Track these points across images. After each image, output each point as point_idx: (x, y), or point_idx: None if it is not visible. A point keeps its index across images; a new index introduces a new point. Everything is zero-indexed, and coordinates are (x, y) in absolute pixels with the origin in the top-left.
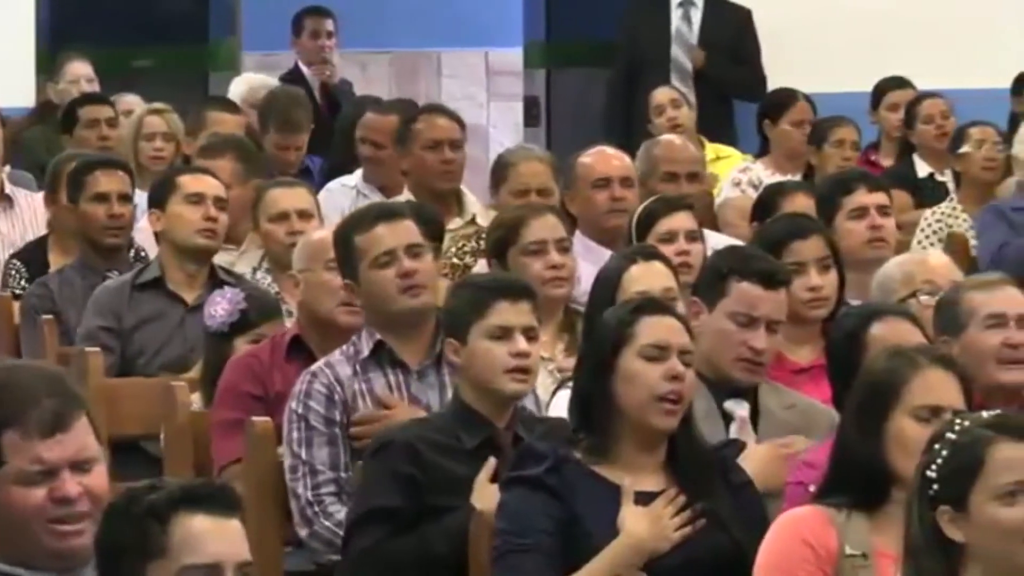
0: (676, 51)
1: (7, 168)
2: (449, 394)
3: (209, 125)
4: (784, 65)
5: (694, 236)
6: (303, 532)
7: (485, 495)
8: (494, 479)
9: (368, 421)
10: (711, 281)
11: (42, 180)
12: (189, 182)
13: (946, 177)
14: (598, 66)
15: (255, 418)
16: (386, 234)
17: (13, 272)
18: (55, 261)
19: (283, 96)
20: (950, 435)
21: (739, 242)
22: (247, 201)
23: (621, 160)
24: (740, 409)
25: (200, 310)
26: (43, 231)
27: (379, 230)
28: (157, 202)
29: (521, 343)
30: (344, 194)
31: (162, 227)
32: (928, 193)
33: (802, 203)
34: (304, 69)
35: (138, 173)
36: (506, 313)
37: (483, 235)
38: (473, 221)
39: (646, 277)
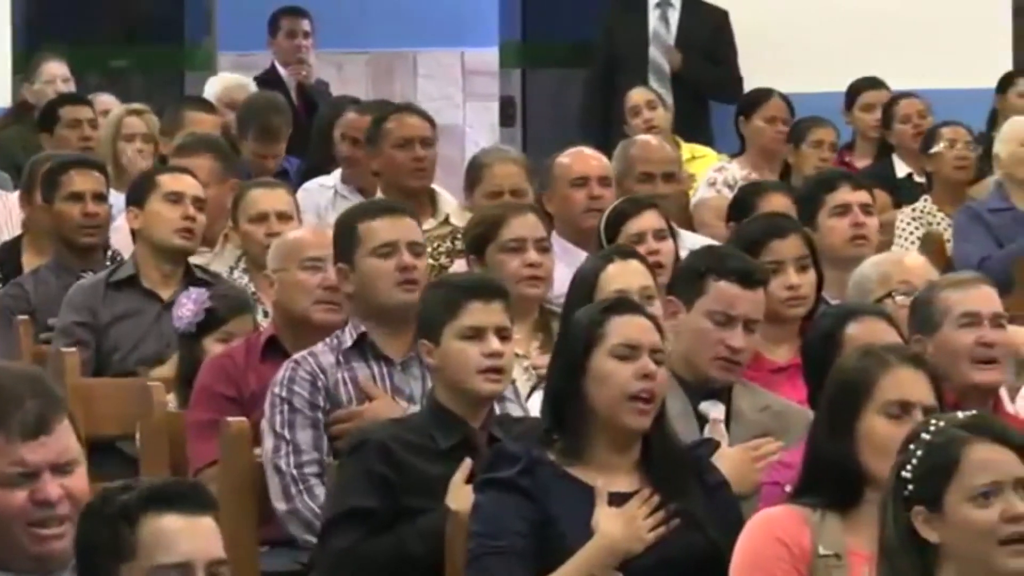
0: (654, 52)
1: None
2: None
3: (186, 125)
4: (761, 66)
5: (663, 235)
6: (282, 507)
7: (460, 496)
8: (469, 480)
9: (348, 418)
10: (688, 280)
11: (18, 180)
12: (169, 181)
13: (924, 179)
14: (574, 66)
15: (230, 418)
16: (390, 227)
17: None
18: (29, 261)
19: (262, 103)
20: (925, 435)
21: (715, 242)
22: (224, 201)
23: (599, 160)
24: (715, 411)
25: None
26: (18, 231)
27: (384, 221)
28: (136, 200)
29: (494, 343)
30: (322, 194)
31: (139, 225)
32: (907, 193)
33: (778, 203)
34: (280, 69)
35: (116, 174)
36: (478, 313)
37: (458, 235)
38: (447, 221)
39: (623, 276)
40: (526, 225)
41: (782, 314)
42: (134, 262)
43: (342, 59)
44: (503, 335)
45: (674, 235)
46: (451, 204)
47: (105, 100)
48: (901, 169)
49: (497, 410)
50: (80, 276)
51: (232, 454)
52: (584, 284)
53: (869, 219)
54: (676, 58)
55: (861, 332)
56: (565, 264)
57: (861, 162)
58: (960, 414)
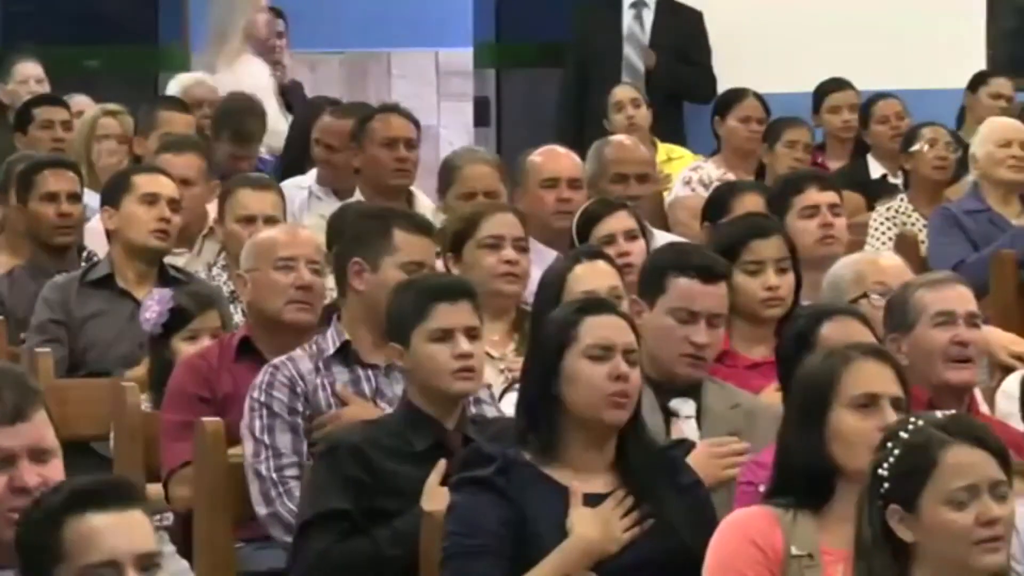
0: (628, 51)
1: None
2: None
3: (160, 125)
4: (735, 66)
5: (633, 235)
6: (263, 511)
7: (436, 497)
8: (444, 482)
9: (328, 423)
10: (650, 279)
11: None
12: (144, 182)
13: (899, 179)
14: (548, 66)
15: (205, 419)
16: (423, 247)
17: None
18: (4, 262)
19: (237, 105)
20: (903, 434)
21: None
22: (206, 200)
23: (570, 159)
24: (685, 408)
25: None
26: None
27: (423, 241)
28: (111, 200)
29: (463, 344)
30: (297, 195)
31: (114, 226)
32: (880, 194)
33: (753, 203)
34: None
35: (90, 174)
36: (446, 315)
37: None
38: None
39: (590, 276)
40: (504, 223)
41: (759, 314)
42: (109, 262)
43: (316, 59)
44: (472, 335)
45: (647, 236)
46: (427, 206)
47: (80, 101)
48: (876, 170)
49: (473, 410)
50: (55, 276)
51: (207, 455)
52: (552, 285)
53: (837, 220)
54: (650, 58)
55: (835, 332)
56: (536, 264)
57: (834, 163)
58: (939, 414)
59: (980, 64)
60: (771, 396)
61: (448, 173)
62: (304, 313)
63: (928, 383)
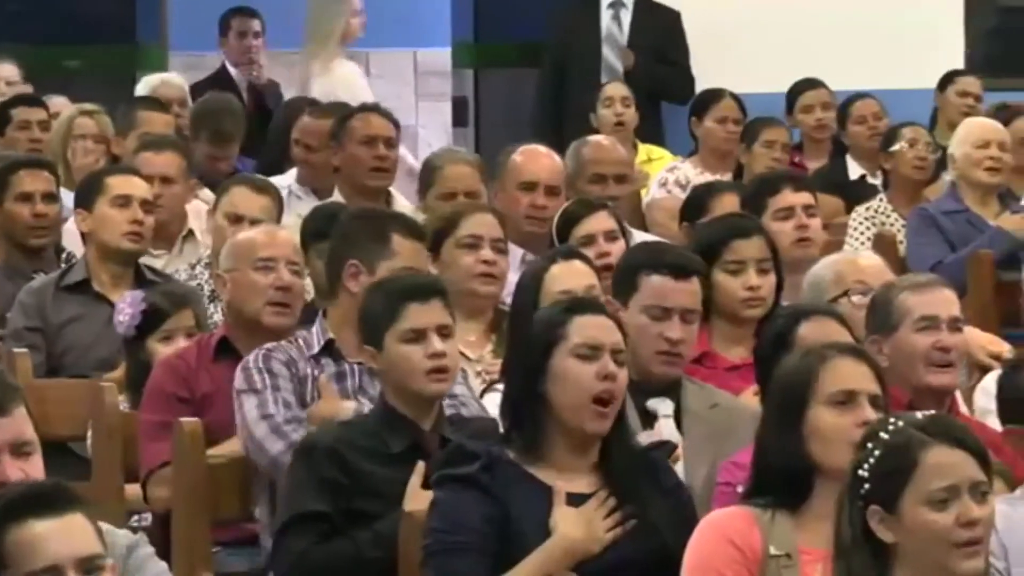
0: (606, 52)
1: None
2: None
3: (139, 125)
4: (713, 66)
5: (613, 236)
6: (276, 448)
7: (418, 500)
8: (425, 484)
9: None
10: (623, 279)
11: None
12: (117, 183)
13: (878, 180)
14: (526, 66)
15: (183, 419)
16: (421, 254)
17: None
18: None
19: (215, 105)
20: (883, 435)
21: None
22: (185, 200)
23: (552, 163)
24: (663, 408)
25: None
26: None
27: (419, 247)
28: (84, 202)
29: (436, 343)
30: None
31: (88, 228)
32: (859, 195)
33: (731, 203)
34: (231, 69)
35: (67, 175)
36: (417, 315)
37: None
38: None
39: (567, 276)
40: (483, 223)
41: (740, 314)
42: (85, 265)
43: (294, 59)
44: (444, 333)
45: (627, 236)
46: (406, 207)
47: (57, 102)
48: (854, 171)
49: (459, 412)
50: (32, 277)
51: (185, 455)
52: (529, 285)
53: (812, 221)
54: (629, 59)
55: (813, 332)
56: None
57: (812, 163)
58: (919, 414)
59: (958, 64)
60: (750, 399)
61: (428, 173)
62: (283, 317)
63: (909, 386)
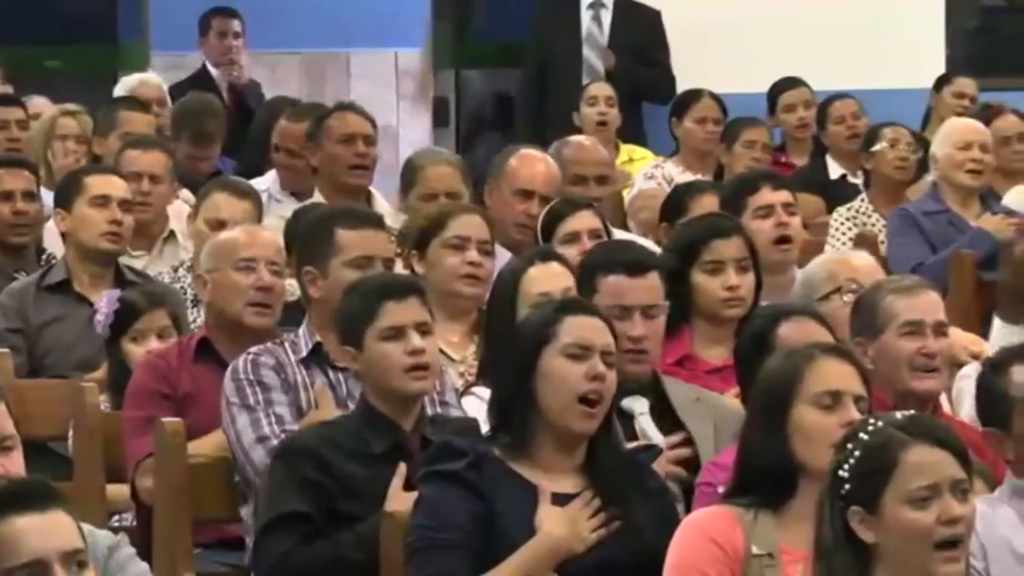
0: (587, 52)
1: None
2: None
3: (120, 125)
4: (694, 66)
5: (598, 235)
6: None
7: (400, 501)
8: (407, 485)
9: None
10: (583, 281)
11: None
12: (95, 183)
13: (858, 179)
14: (507, 67)
15: (165, 419)
16: (369, 239)
17: None
18: None
19: (196, 106)
20: (863, 435)
21: (648, 241)
22: (169, 200)
23: (548, 171)
24: (639, 405)
25: None
26: None
27: (363, 233)
28: (63, 202)
29: (415, 340)
30: None
31: (67, 228)
32: (840, 195)
33: (711, 203)
34: (212, 70)
35: (48, 175)
36: (395, 313)
37: (391, 239)
38: None
39: (545, 279)
40: (471, 225)
41: (720, 314)
42: (65, 265)
43: (275, 59)
44: (423, 330)
45: (610, 236)
46: (386, 207)
47: (38, 103)
48: (835, 170)
49: (438, 411)
50: (13, 277)
51: (167, 454)
52: (506, 287)
53: (792, 219)
54: (610, 59)
55: (793, 332)
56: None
57: (799, 161)
58: (898, 414)
59: (939, 64)
60: (731, 401)
61: (410, 173)
62: (263, 318)
63: (893, 390)
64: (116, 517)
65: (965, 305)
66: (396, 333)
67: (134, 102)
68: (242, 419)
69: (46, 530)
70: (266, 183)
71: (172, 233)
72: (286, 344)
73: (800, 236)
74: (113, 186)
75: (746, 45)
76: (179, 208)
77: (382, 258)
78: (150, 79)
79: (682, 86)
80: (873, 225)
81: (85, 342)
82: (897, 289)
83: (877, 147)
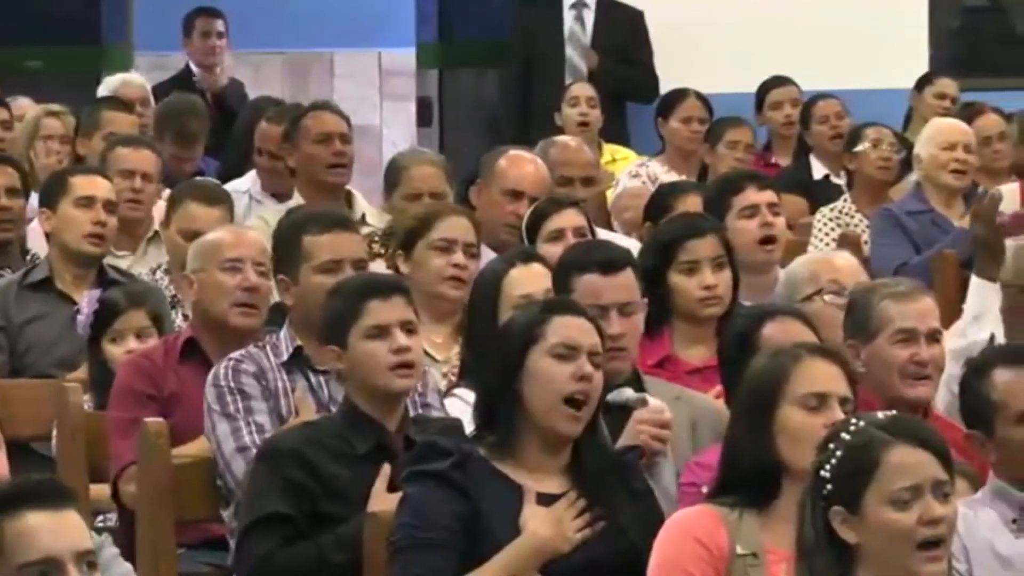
0: (570, 52)
1: None
2: None
3: (104, 125)
4: (677, 66)
5: (582, 233)
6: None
7: (383, 503)
8: (391, 486)
9: None
10: (559, 282)
11: None
12: (80, 184)
13: (842, 179)
14: (491, 67)
15: (148, 419)
16: (336, 242)
17: None
18: None
19: (179, 106)
20: (845, 435)
21: (633, 239)
22: (155, 200)
23: (537, 173)
24: (627, 393)
25: None
26: None
27: (330, 237)
28: (47, 202)
29: (400, 338)
30: (237, 199)
31: (51, 228)
32: (823, 195)
33: (694, 203)
34: (195, 70)
35: (32, 175)
36: (380, 311)
37: (376, 237)
38: (363, 221)
39: (526, 280)
40: (458, 227)
41: (698, 314)
42: (48, 264)
43: (259, 59)
44: (408, 328)
45: (594, 235)
46: (366, 207)
47: (22, 103)
48: (818, 170)
49: (420, 412)
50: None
51: (150, 455)
52: (487, 288)
53: (777, 219)
54: (593, 59)
55: (777, 332)
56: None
57: (784, 161)
58: (880, 414)
59: (922, 64)
60: (711, 400)
61: (394, 174)
62: (249, 318)
63: (884, 395)
64: (100, 518)
65: (948, 305)
66: (381, 332)
67: (118, 102)
68: (222, 428)
69: (60, 529)
70: (247, 184)
71: (156, 233)
72: (267, 348)
73: (784, 236)
74: (98, 187)
75: (728, 45)
76: (163, 209)
77: (352, 260)
78: (133, 79)
79: (665, 86)
80: (856, 225)
81: (66, 340)
82: (893, 294)
83: (860, 147)
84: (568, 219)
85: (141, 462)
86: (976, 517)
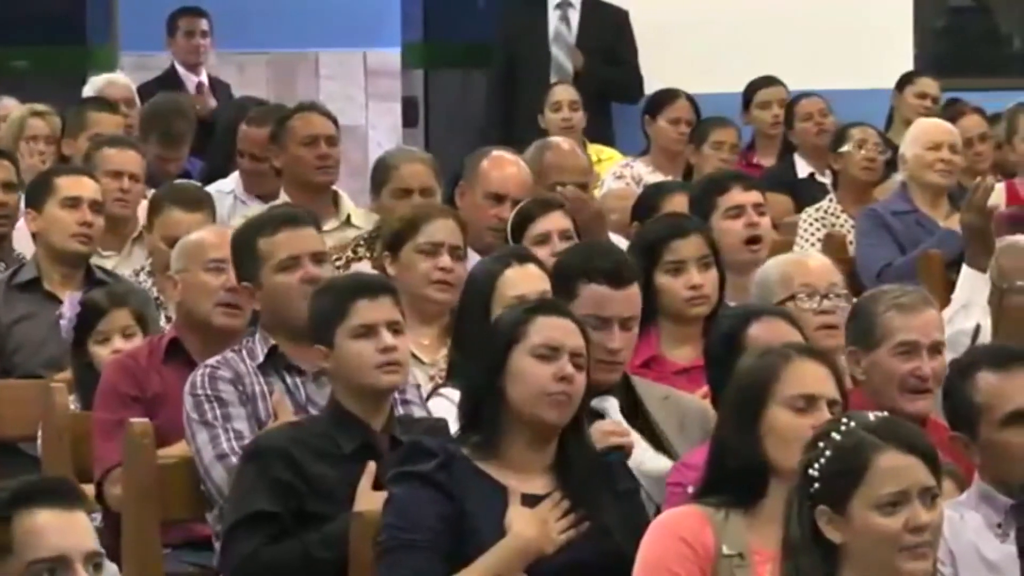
0: (556, 52)
1: None
2: None
3: (89, 126)
4: (662, 66)
5: (568, 235)
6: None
7: (369, 501)
8: (376, 485)
9: None
10: (561, 284)
11: None
12: (66, 184)
13: (826, 178)
14: (476, 67)
15: (133, 420)
16: (291, 239)
17: None
18: None
19: (165, 107)
20: (835, 435)
21: (620, 237)
22: (140, 200)
23: (520, 175)
24: (610, 405)
25: None
26: None
27: (284, 235)
28: (33, 202)
29: (387, 338)
30: (221, 200)
31: (37, 228)
32: (808, 194)
33: (681, 203)
34: (180, 69)
35: (17, 174)
36: (367, 311)
37: (361, 241)
38: (348, 221)
39: (521, 281)
40: (444, 229)
41: (685, 314)
42: (35, 264)
43: (243, 59)
44: (395, 328)
45: (579, 236)
46: (353, 208)
47: (7, 104)
48: (803, 169)
49: (400, 411)
50: None
51: (135, 455)
52: (481, 287)
53: (762, 219)
54: (578, 59)
55: (763, 332)
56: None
57: (766, 161)
58: (871, 415)
59: (907, 64)
60: (698, 400)
61: (382, 172)
62: (233, 318)
63: (882, 406)
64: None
65: None
66: (368, 331)
67: (103, 103)
68: (201, 436)
69: (70, 528)
70: (231, 184)
71: (142, 234)
72: (243, 351)
73: (770, 236)
74: (84, 187)
75: (713, 45)
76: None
77: (309, 254)
78: (118, 79)
79: (650, 86)
80: (841, 226)
81: (54, 341)
82: (896, 305)
83: (845, 148)
84: (554, 222)
85: (126, 462)
86: (962, 520)
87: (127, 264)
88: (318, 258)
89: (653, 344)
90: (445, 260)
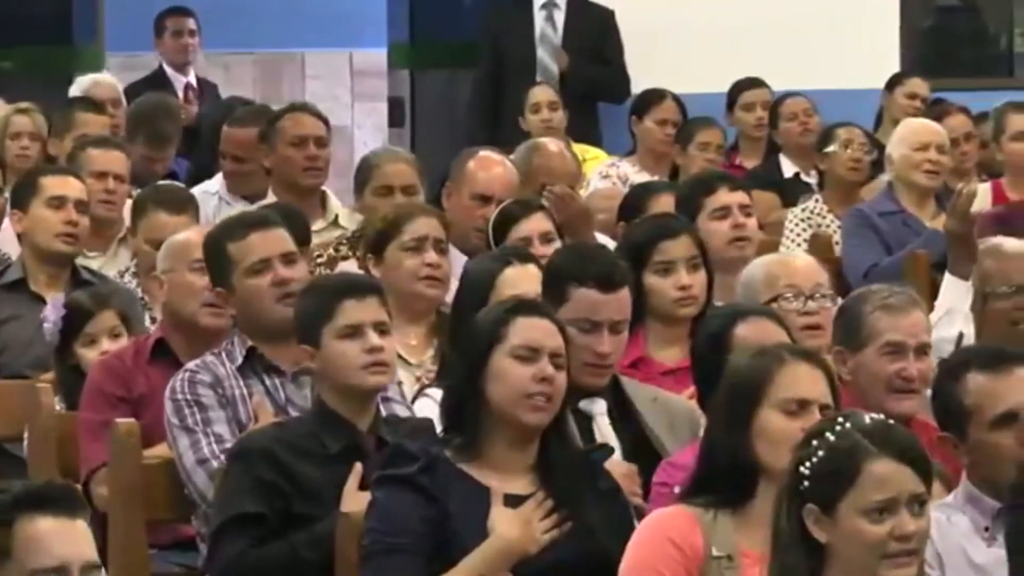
0: (541, 53)
1: None
2: None
3: (76, 126)
4: (648, 66)
5: (549, 238)
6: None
7: (354, 502)
8: (362, 485)
9: None
10: (551, 287)
11: None
12: (52, 184)
13: (812, 178)
14: (462, 67)
15: (120, 420)
16: (260, 242)
17: None
18: None
19: (152, 107)
20: (829, 435)
21: (606, 237)
22: (125, 200)
23: (506, 176)
24: (597, 407)
25: None
26: None
27: (253, 238)
28: (18, 203)
29: (373, 338)
30: (206, 201)
31: (22, 229)
32: (793, 193)
33: (668, 203)
34: (168, 69)
35: (2, 174)
36: (354, 311)
37: (344, 240)
38: (336, 222)
39: (522, 280)
40: (427, 226)
41: (674, 314)
42: (21, 265)
43: (230, 60)
44: (381, 329)
45: (561, 238)
46: (340, 208)
47: None
48: (788, 169)
49: (383, 411)
50: None
51: (121, 455)
52: (479, 286)
53: (749, 220)
54: (564, 59)
55: (750, 332)
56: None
57: (749, 162)
58: (868, 418)
59: (894, 64)
60: (686, 401)
61: (365, 171)
62: (218, 318)
63: (868, 406)
64: None
65: None
66: (354, 331)
67: (89, 103)
68: (182, 441)
69: (73, 538)
70: (216, 185)
71: (127, 235)
72: (223, 354)
73: (757, 237)
74: (70, 187)
75: (699, 45)
76: None
77: (280, 255)
78: (104, 79)
79: (636, 86)
80: (828, 226)
81: (40, 341)
82: (884, 306)
83: (831, 148)
84: (535, 224)
85: (112, 463)
86: (950, 523)
87: (112, 265)
88: (289, 259)
89: (640, 345)
90: (431, 255)
